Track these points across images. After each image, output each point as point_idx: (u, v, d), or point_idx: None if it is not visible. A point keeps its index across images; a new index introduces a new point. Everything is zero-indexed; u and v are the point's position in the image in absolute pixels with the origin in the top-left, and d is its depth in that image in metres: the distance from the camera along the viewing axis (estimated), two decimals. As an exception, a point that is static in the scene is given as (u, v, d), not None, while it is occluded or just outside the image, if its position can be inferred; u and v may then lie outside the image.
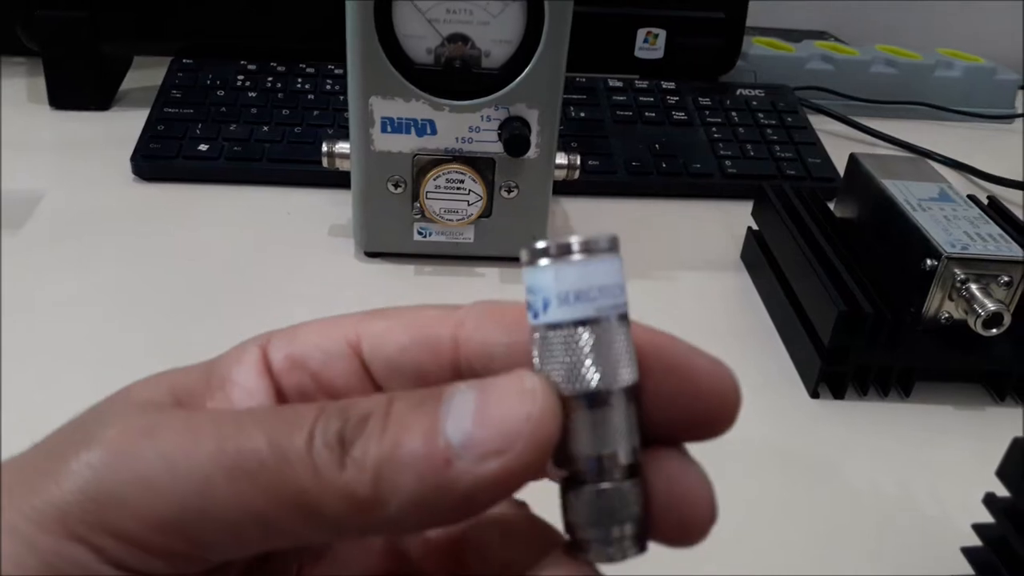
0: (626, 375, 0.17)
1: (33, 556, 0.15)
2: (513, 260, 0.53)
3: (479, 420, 0.16)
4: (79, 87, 0.68)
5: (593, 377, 0.16)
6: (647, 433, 0.18)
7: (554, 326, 0.16)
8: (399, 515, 0.16)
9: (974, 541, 0.30)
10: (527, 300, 0.17)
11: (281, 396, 0.19)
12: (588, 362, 0.16)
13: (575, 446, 0.17)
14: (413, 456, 0.15)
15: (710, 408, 0.18)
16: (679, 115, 0.68)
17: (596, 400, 0.16)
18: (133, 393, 0.18)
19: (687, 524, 0.17)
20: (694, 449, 0.19)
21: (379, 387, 0.19)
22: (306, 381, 0.19)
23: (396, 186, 0.48)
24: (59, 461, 0.16)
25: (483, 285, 0.50)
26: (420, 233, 0.50)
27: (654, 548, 0.18)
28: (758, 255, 0.52)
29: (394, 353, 0.19)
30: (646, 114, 0.68)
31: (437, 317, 0.19)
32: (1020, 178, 0.68)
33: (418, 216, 0.49)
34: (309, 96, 0.65)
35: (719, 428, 0.18)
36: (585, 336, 0.16)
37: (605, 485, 0.17)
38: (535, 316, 0.17)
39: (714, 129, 0.67)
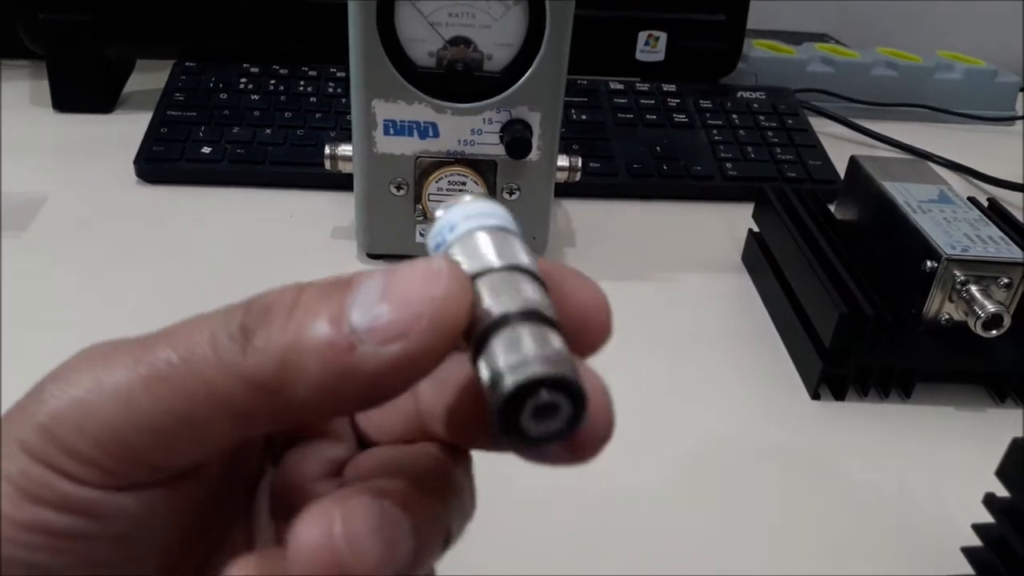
0: (524, 257, 0.17)
1: (7, 483, 0.16)
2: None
3: (383, 303, 0.16)
4: (82, 90, 0.68)
5: (497, 257, 0.17)
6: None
7: (459, 237, 0.17)
8: (305, 400, 0.16)
9: (974, 541, 0.30)
10: (435, 243, 0.18)
11: None
12: (490, 250, 0.17)
13: (481, 308, 0.16)
14: (317, 342, 0.16)
15: (581, 317, 0.18)
16: (680, 117, 0.68)
17: (507, 268, 0.17)
18: None
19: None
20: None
21: None
22: None
23: (398, 188, 0.48)
24: (19, 404, 0.17)
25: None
26: (422, 235, 0.50)
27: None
28: (759, 257, 0.52)
29: None
30: (647, 116, 0.68)
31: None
32: (1020, 180, 0.68)
33: (420, 218, 0.49)
34: (311, 99, 0.66)
35: (593, 341, 0.18)
36: (484, 235, 0.17)
37: (518, 326, 0.16)
38: (444, 241, 0.18)
39: (715, 131, 0.67)
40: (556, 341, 0.16)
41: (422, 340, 0.15)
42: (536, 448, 0.16)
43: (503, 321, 0.16)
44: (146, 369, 0.17)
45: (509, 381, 0.15)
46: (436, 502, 0.18)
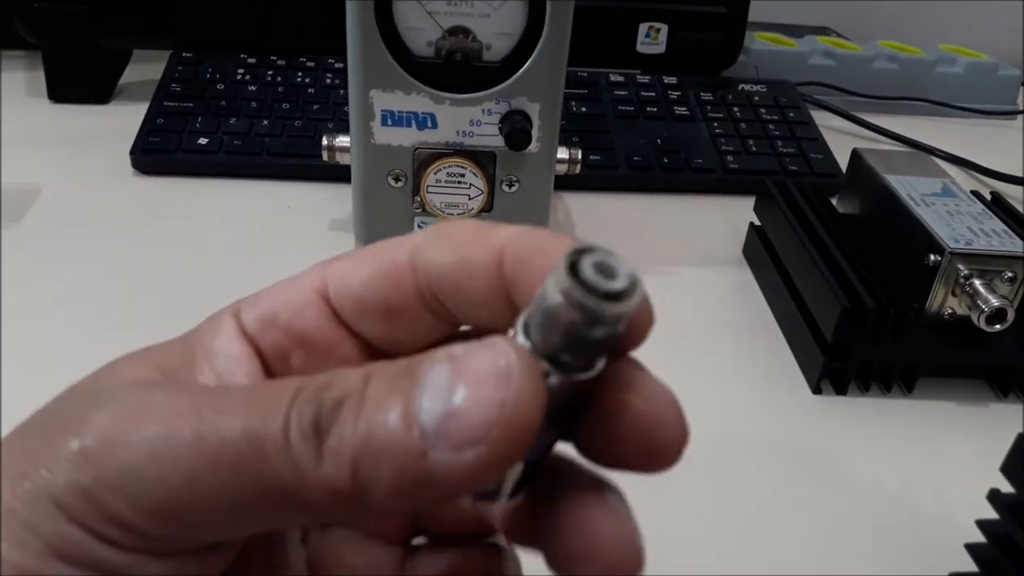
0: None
1: (36, 538, 0.15)
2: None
3: (453, 405, 0.15)
4: (78, 80, 0.67)
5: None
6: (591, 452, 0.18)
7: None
8: (380, 504, 0.15)
9: (978, 537, 0.30)
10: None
11: (261, 358, 0.20)
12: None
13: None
14: (388, 445, 0.15)
15: (649, 437, 0.18)
16: (681, 110, 0.68)
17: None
18: (119, 370, 0.18)
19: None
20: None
21: (351, 329, 0.20)
22: (279, 337, 0.19)
23: (396, 180, 0.48)
24: (50, 446, 0.16)
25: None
26: (421, 227, 0.50)
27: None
28: (760, 250, 0.52)
29: (358, 289, 0.19)
30: (648, 109, 0.68)
31: (393, 245, 0.19)
32: (1021, 174, 0.68)
33: (419, 210, 0.49)
34: (309, 90, 0.65)
35: (657, 463, 0.18)
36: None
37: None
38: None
39: (716, 124, 0.67)
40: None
41: (496, 448, 0.15)
42: (607, 320, 0.15)
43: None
44: (213, 450, 0.15)
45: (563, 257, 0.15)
46: None
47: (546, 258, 0.17)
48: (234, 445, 0.15)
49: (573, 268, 0.15)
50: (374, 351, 0.20)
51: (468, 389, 0.15)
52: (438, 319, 0.19)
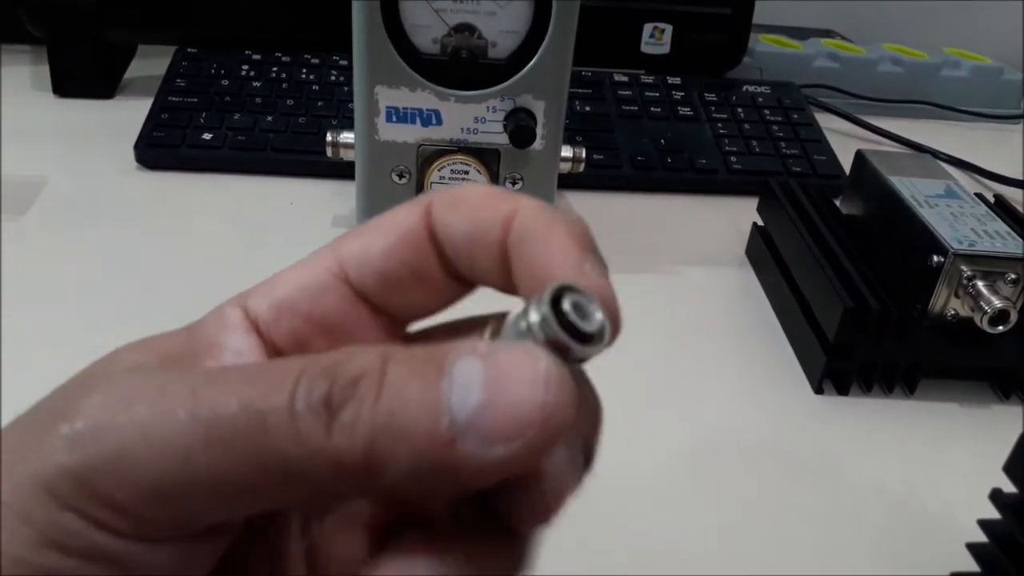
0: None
1: (28, 528, 0.15)
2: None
3: (488, 401, 0.15)
4: (83, 75, 0.67)
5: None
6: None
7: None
8: (392, 485, 0.15)
9: (980, 537, 0.30)
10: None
11: (275, 350, 0.19)
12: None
13: None
14: (412, 430, 0.15)
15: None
16: (685, 111, 0.68)
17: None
18: (119, 358, 0.18)
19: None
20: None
21: (376, 307, 0.19)
22: (298, 325, 0.19)
23: (400, 176, 0.48)
24: (41, 433, 0.16)
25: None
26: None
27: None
28: (763, 251, 0.52)
29: (380, 262, 0.19)
30: (652, 109, 0.68)
31: (404, 214, 0.19)
32: (1025, 178, 0.68)
33: (422, 207, 0.49)
34: (314, 87, 0.65)
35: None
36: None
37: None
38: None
39: (720, 125, 0.67)
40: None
41: (531, 445, 0.15)
42: (585, 352, 0.16)
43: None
44: (206, 427, 0.15)
45: (544, 295, 0.16)
46: None
47: (543, 247, 0.18)
48: (231, 421, 0.15)
49: (556, 302, 0.16)
50: (397, 329, 0.20)
51: (506, 388, 0.15)
52: (456, 282, 0.19)
